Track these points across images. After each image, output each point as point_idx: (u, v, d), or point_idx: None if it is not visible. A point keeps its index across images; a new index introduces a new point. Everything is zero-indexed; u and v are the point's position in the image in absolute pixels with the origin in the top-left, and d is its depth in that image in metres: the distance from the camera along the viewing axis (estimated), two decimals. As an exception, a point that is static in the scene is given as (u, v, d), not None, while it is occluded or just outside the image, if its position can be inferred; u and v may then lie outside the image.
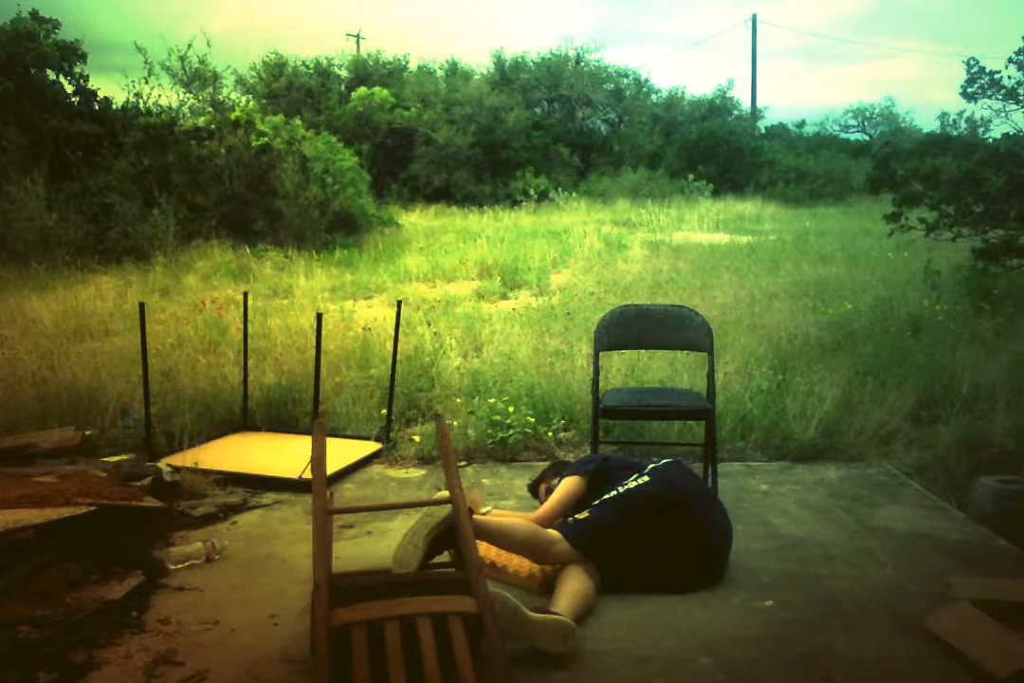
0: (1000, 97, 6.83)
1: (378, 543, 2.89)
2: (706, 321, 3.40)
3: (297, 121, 12.74)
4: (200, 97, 12.64)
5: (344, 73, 23.32)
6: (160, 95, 12.38)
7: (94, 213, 10.47)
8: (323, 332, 3.63)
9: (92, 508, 2.61)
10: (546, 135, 22.39)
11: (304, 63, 22.20)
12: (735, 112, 28.05)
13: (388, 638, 1.84)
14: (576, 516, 2.57)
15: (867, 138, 30.75)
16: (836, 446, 3.84)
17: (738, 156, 22.26)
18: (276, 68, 21.46)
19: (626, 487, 2.60)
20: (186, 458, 3.46)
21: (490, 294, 7.75)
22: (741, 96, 29.06)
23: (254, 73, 21.60)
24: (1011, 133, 7.45)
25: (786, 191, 20.40)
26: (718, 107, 27.60)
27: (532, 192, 19.27)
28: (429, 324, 5.64)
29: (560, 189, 19.32)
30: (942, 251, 7.18)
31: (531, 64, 25.44)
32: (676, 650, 2.19)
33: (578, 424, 4.10)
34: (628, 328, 3.41)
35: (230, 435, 4.04)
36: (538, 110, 24.76)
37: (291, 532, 2.98)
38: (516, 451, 3.84)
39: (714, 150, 22.15)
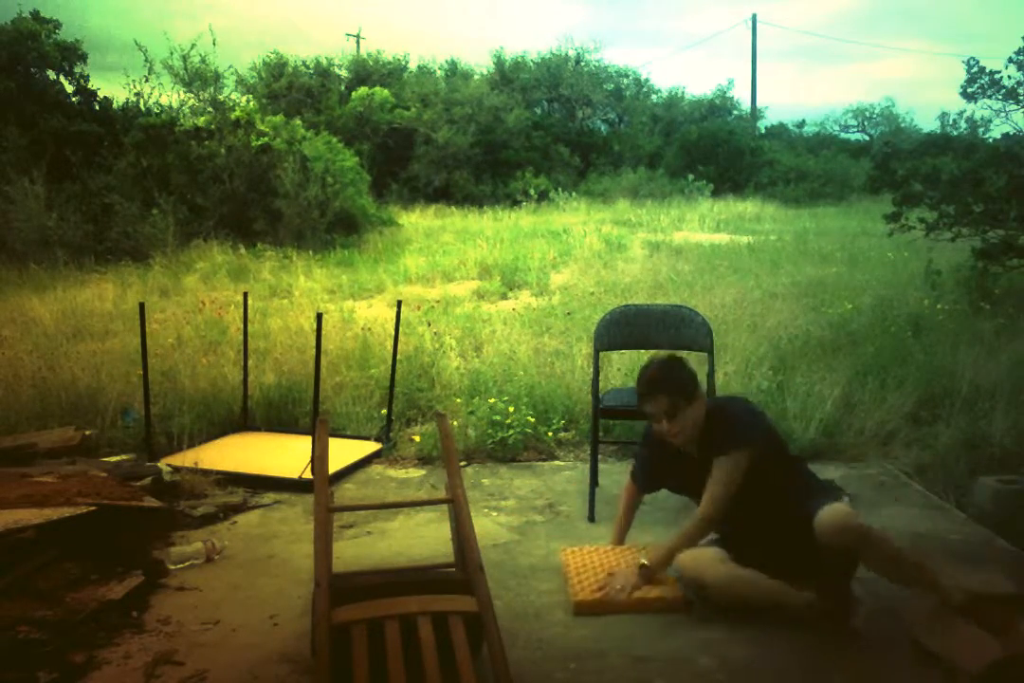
0: (1000, 97, 6.83)
1: (378, 543, 2.88)
2: (706, 321, 3.40)
3: (297, 121, 12.75)
4: (201, 97, 12.64)
5: (344, 73, 23.34)
6: (160, 95, 12.42)
7: (94, 213, 10.48)
8: (323, 332, 3.63)
9: (92, 508, 2.61)
10: (546, 135, 22.40)
11: (304, 63, 22.24)
12: (735, 112, 28.11)
13: (388, 637, 1.84)
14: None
15: (867, 138, 30.78)
16: (836, 446, 3.84)
17: (738, 156, 22.28)
18: (276, 68, 21.48)
19: None
20: (186, 458, 3.46)
21: (490, 294, 7.75)
22: (741, 96, 29.20)
23: (254, 73, 21.64)
24: (1011, 133, 7.46)
25: (786, 191, 20.42)
26: (718, 107, 27.64)
27: (532, 192, 19.28)
28: (429, 324, 5.64)
29: (560, 189, 19.34)
30: (942, 251, 7.18)
31: (531, 64, 25.47)
32: (676, 650, 2.19)
33: (578, 424, 4.10)
34: (628, 328, 3.41)
35: (230, 435, 4.04)
36: (538, 110, 24.78)
37: (291, 532, 2.98)
38: (516, 451, 3.84)
39: (714, 150, 22.17)
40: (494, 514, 3.16)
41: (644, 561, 2.47)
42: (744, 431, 2.40)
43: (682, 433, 2.44)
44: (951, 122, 22.80)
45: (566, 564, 2.62)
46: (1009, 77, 6.73)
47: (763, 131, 28.43)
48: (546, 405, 4.15)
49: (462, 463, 3.70)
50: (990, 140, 8.77)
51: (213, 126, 11.67)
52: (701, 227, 14.04)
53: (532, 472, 3.65)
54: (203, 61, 12.57)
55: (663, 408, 2.42)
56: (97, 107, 12.27)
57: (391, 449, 3.89)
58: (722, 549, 2.42)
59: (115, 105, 12.29)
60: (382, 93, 20.31)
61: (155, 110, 12.22)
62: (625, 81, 26.55)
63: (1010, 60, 6.66)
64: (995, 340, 5.12)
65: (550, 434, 3.95)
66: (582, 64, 25.53)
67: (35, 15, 12.10)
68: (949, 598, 2.19)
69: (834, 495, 2.44)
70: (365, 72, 23.10)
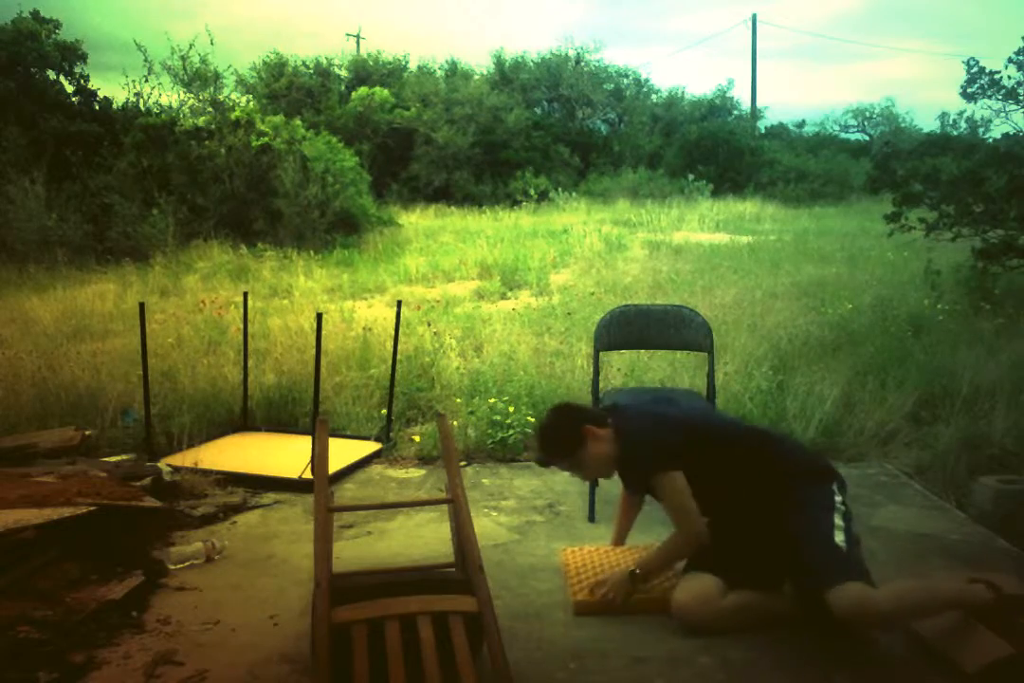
0: (1000, 97, 6.83)
1: (378, 543, 2.89)
2: (706, 321, 3.40)
3: (297, 121, 12.74)
4: (201, 97, 12.64)
5: (344, 73, 23.35)
6: (160, 95, 12.44)
7: (94, 213, 10.49)
8: (323, 332, 3.63)
9: (92, 508, 2.61)
10: (546, 135, 22.40)
11: (304, 63, 22.24)
12: (735, 112, 28.09)
13: (388, 637, 1.84)
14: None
15: (867, 138, 30.76)
16: (836, 446, 3.84)
17: (738, 156, 22.27)
18: (276, 68, 21.48)
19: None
20: (186, 458, 3.45)
21: (490, 294, 7.75)
22: (741, 96, 29.17)
23: (254, 73, 21.65)
24: (1011, 133, 7.46)
25: (786, 191, 20.41)
26: (718, 107, 27.63)
27: (532, 192, 19.28)
28: (429, 324, 5.64)
29: (560, 189, 19.33)
30: (942, 251, 7.17)
31: (531, 64, 25.47)
32: (676, 650, 2.19)
33: (578, 424, 4.09)
34: (628, 328, 3.41)
35: (230, 435, 4.04)
36: (538, 110, 24.77)
37: (291, 532, 2.98)
38: (516, 451, 3.84)
39: (714, 150, 22.16)
40: (494, 514, 3.17)
41: (635, 569, 2.41)
42: (656, 457, 2.31)
43: (599, 474, 2.53)
44: (951, 122, 22.78)
45: (566, 564, 2.62)
46: (1009, 77, 6.74)
47: (763, 131, 28.41)
48: (546, 405, 4.13)
49: (462, 463, 3.70)
50: (990, 140, 8.77)
51: (213, 126, 11.67)
52: (701, 227, 14.03)
53: (532, 472, 3.65)
54: (203, 61, 12.58)
55: (565, 468, 2.51)
56: (97, 107, 12.28)
57: (391, 449, 3.89)
58: (717, 577, 2.28)
59: (115, 105, 12.30)
60: (382, 93, 20.31)
61: (155, 110, 12.23)
62: (625, 81, 26.52)
63: (1010, 60, 6.67)
64: (995, 340, 5.12)
65: (550, 434, 3.95)
66: (582, 64, 25.52)
67: (35, 15, 12.12)
68: (975, 601, 2.13)
69: (825, 491, 2.33)
70: (365, 72, 23.11)
